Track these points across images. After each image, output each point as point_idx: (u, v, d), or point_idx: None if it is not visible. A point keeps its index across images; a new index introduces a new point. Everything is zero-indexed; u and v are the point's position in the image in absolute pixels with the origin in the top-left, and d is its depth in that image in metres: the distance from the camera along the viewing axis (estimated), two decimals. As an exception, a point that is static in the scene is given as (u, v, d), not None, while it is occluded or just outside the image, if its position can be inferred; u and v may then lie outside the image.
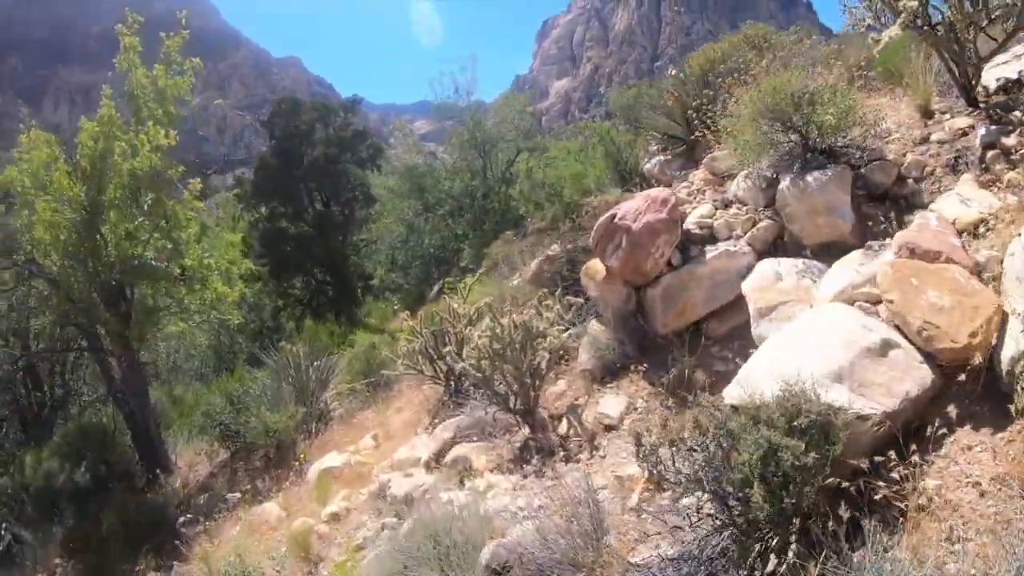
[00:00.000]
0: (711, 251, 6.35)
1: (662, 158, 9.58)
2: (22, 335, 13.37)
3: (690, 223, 6.69)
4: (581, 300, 6.90)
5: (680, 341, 6.15)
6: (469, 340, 6.67)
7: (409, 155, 29.18)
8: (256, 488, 9.96)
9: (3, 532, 10.93)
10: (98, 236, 11.06)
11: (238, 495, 10.11)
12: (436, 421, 8.61)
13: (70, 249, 10.98)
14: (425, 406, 9.42)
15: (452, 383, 8.76)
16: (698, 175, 7.93)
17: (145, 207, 11.54)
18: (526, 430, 6.19)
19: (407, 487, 6.48)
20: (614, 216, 6.54)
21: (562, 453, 5.78)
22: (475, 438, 6.66)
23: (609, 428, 5.81)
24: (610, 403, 6.00)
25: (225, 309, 12.50)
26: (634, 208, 6.53)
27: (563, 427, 6.11)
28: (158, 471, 11.62)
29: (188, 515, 9.80)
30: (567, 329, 6.26)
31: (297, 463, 9.58)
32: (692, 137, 8.63)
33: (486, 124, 27.35)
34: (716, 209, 6.89)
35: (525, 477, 5.55)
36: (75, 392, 14.93)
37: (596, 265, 6.90)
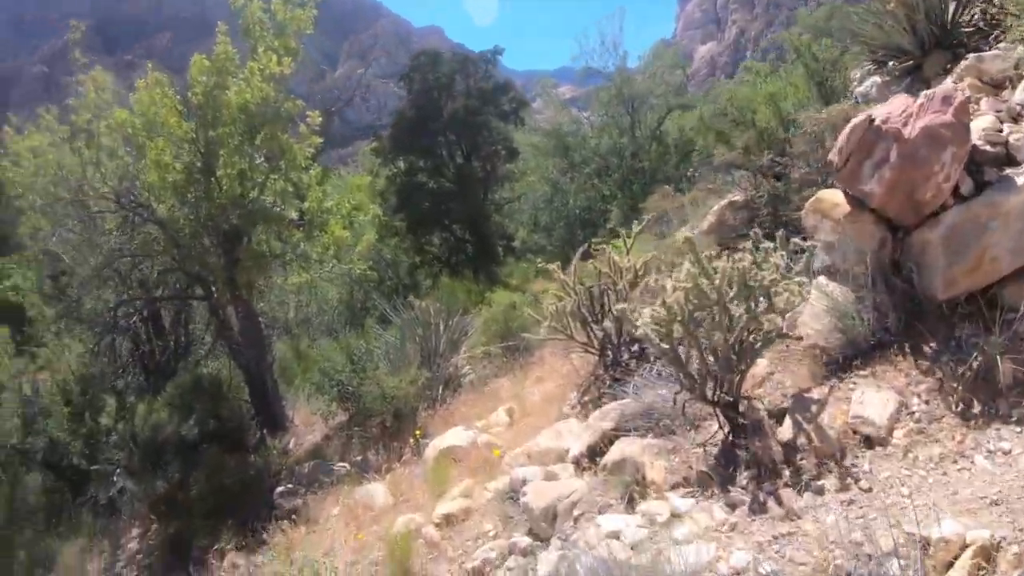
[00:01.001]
0: (1020, 175, 4.15)
1: (879, 79, 7.27)
2: (144, 283, 12.49)
3: (973, 139, 4.46)
4: (808, 245, 4.72)
5: (971, 311, 4.03)
6: (656, 294, 4.61)
7: (554, 113, 27.76)
8: (366, 461, 8.53)
9: (115, 479, 10.28)
10: (211, 178, 10.01)
11: (345, 467, 8.74)
12: (586, 399, 7.01)
13: (180, 191, 9.99)
14: (572, 378, 7.78)
15: (609, 352, 7.07)
16: (963, 83, 5.61)
17: (259, 143, 10.39)
18: (725, 429, 4.21)
19: (549, 496, 4.69)
20: (872, 120, 4.39)
21: (789, 474, 3.77)
22: (646, 432, 4.73)
23: (869, 441, 3.74)
24: (870, 401, 3.85)
25: (349, 257, 11.11)
26: (900, 109, 4.35)
27: (785, 430, 4.07)
28: (267, 431, 10.58)
29: (288, 484, 8.52)
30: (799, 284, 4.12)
31: (414, 439, 8.03)
32: (928, 49, 6.32)
33: (634, 79, 25.58)
34: (1001, 122, 4.65)
35: (733, 508, 3.59)
36: (197, 342, 14.09)
37: (832, 197, 4.74)
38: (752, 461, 3.84)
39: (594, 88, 28.70)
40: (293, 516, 7.55)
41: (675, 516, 3.62)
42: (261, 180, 10.13)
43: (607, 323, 7.07)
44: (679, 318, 3.74)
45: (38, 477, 11.71)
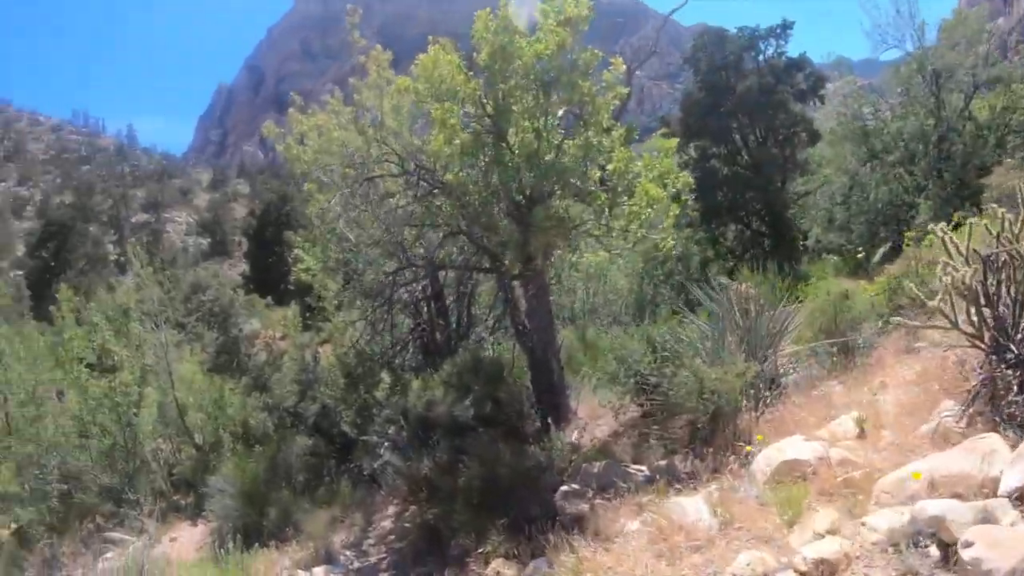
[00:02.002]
0: None
1: None
2: (428, 255, 11.90)
3: None
4: None
5: None
6: None
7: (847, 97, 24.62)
8: (672, 467, 6.89)
9: (380, 452, 9.90)
10: (502, 142, 8.95)
11: (643, 471, 7.18)
12: (972, 411, 5.20)
13: (468, 155, 9.02)
14: (938, 382, 6.09)
15: (1014, 348, 5.16)
16: None
17: (555, 98, 9.18)
18: None
19: (998, 552, 2.79)
20: None
21: None
22: None
23: None
24: None
25: (660, 227, 9.51)
26: None
27: None
28: (551, 420, 9.35)
29: (574, 485, 7.10)
30: None
31: (748, 447, 6.28)
32: None
33: (937, 51, 21.79)
34: None
35: None
36: (479, 323, 13.32)
37: None
38: None
39: (890, 67, 25.14)
40: (578, 525, 6.13)
41: None
42: (557, 142, 8.88)
43: (1001, 308, 5.29)
44: None
45: (306, 440, 11.52)
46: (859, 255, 18.91)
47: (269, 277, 44.94)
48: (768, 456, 5.93)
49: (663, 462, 7.08)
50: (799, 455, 5.67)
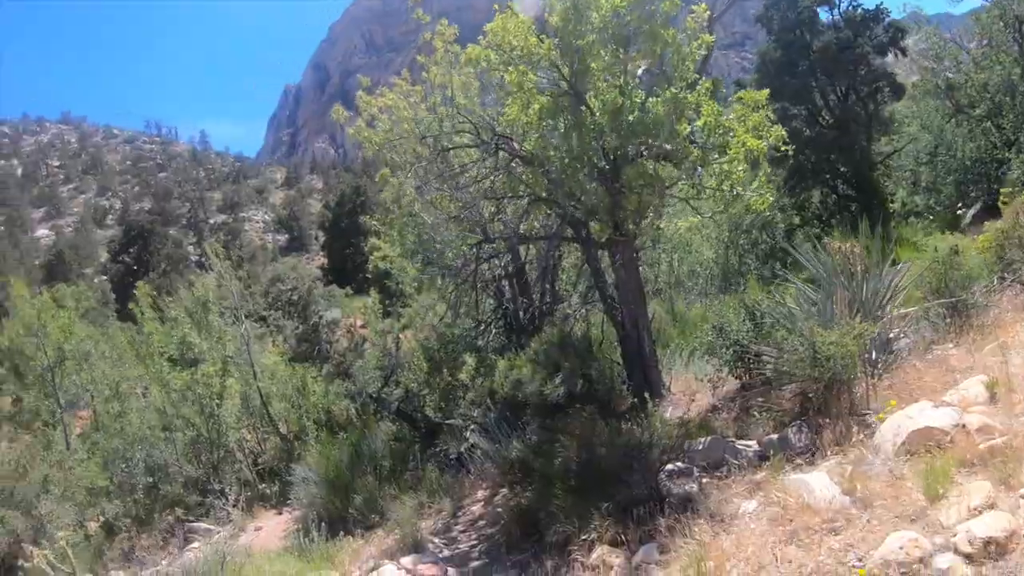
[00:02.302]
0: None
1: None
2: (511, 233, 11.54)
3: None
4: None
5: None
6: None
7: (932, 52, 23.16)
8: (785, 441, 6.30)
9: (467, 435, 9.68)
10: (581, 105, 8.35)
11: (753, 446, 6.62)
12: None
13: (546, 120, 8.43)
14: None
15: None
16: None
17: (635, 53, 8.60)
18: None
19: None
20: None
21: None
22: None
23: None
24: None
25: (756, 183, 8.84)
26: None
27: None
28: (647, 395, 8.85)
29: (678, 463, 6.56)
30: None
31: (880, 416, 5.69)
32: None
33: None
34: None
35: None
36: (562, 298, 12.86)
37: None
38: None
39: (969, 17, 23.60)
40: (688, 506, 5.62)
41: None
42: (639, 100, 8.26)
43: None
44: None
45: (390, 426, 11.27)
46: (958, 212, 17.74)
47: (347, 268, 45.43)
48: (896, 425, 5.35)
49: (774, 435, 6.48)
50: (932, 422, 5.10)
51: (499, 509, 7.55)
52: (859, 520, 4.31)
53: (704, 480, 6.15)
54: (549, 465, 6.63)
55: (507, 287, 12.46)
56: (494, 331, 12.62)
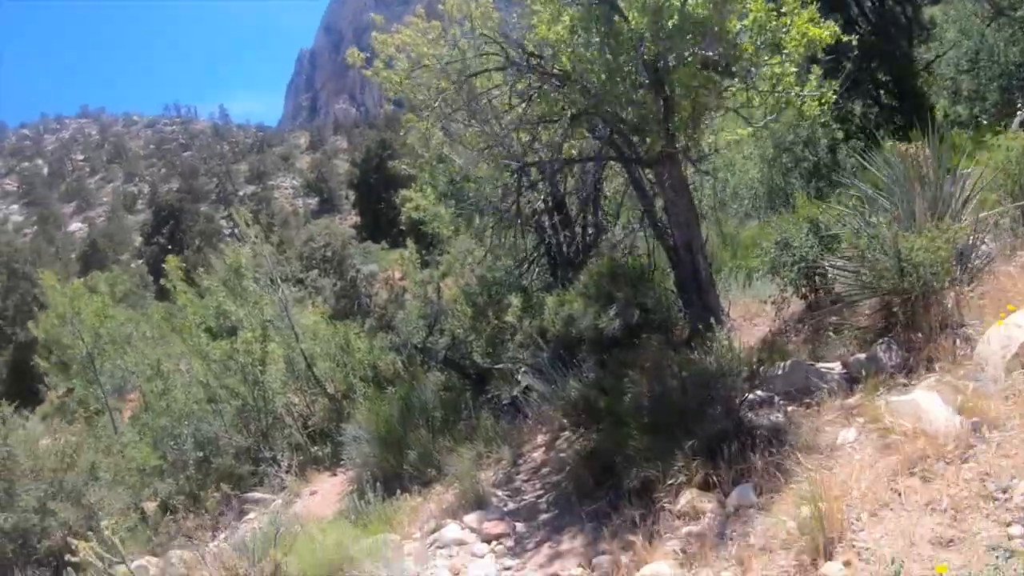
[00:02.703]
0: None
1: None
2: (551, 157, 10.93)
3: None
4: None
5: None
6: None
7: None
8: (876, 361, 5.68)
9: (519, 378, 9.07)
10: (616, 15, 7.56)
11: (837, 368, 6.04)
12: None
13: (578, 32, 7.65)
14: None
15: None
16: None
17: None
18: None
19: None
20: None
21: None
22: None
23: None
24: None
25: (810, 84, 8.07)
26: None
27: None
28: (707, 322, 8.29)
29: (758, 392, 5.96)
30: None
31: (999, 322, 5.04)
32: None
33: None
34: None
35: None
36: (606, 229, 12.24)
37: None
38: None
39: None
40: (777, 439, 5.07)
41: None
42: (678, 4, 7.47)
43: None
44: None
45: (439, 376, 10.83)
46: (1004, 121, 16.57)
47: (380, 223, 44.98)
48: (1005, 336, 4.71)
49: (860, 355, 5.87)
50: (1036, 334, 4.44)
51: (563, 454, 7.00)
52: (988, 444, 3.73)
53: (790, 408, 5.57)
54: (618, 402, 6.00)
55: (547, 221, 11.88)
56: (538, 269, 12.11)
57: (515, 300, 11.02)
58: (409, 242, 17.88)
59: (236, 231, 16.97)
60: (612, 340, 8.11)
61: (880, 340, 5.89)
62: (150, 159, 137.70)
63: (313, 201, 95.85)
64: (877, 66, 20.91)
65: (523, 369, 8.91)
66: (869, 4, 21.90)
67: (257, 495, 11.69)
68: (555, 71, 8.15)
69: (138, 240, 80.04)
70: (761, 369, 5.77)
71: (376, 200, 47.40)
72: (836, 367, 6.03)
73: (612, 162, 9.79)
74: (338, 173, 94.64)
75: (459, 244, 14.06)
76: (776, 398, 5.74)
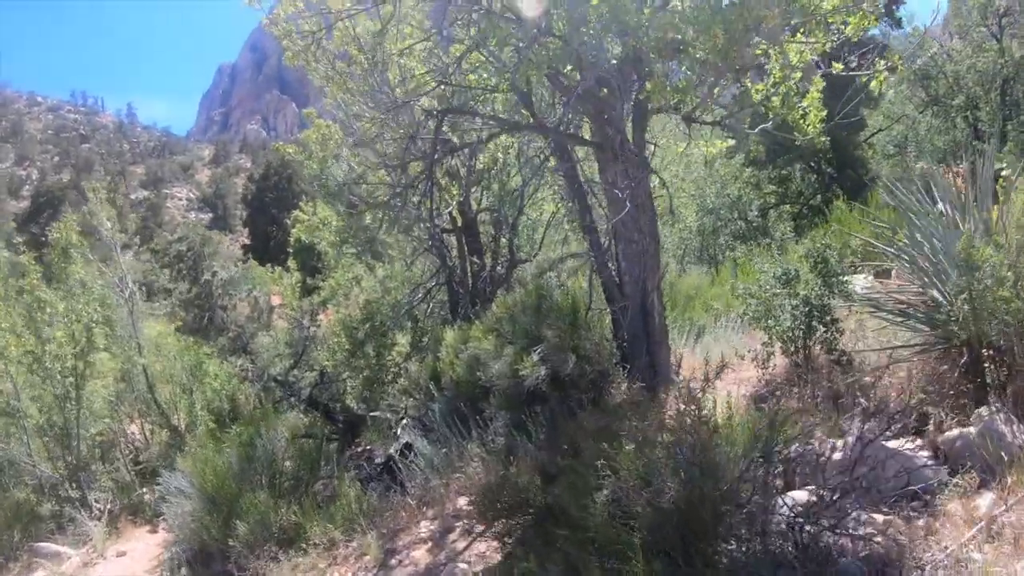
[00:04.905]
0: None
1: None
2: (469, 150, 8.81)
3: None
4: None
5: None
6: None
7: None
8: (995, 434, 3.68)
9: (399, 432, 7.21)
10: None
11: (917, 450, 4.07)
12: None
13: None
14: None
15: None
16: None
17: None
18: None
19: None
20: None
21: None
22: None
23: None
24: None
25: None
26: None
27: None
28: (652, 381, 6.30)
29: (806, 488, 3.76)
30: None
31: None
32: None
33: None
34: None
35: None
36: (524, 259, 10.16)
37: None
38: None
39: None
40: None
41: None
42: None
43: None
44: None
45: (300, 418, 8.35)
46: None
47: (270, 246, 41.88)
48: None
49: (957, 431, 3.85)
50: None
51: (465, 569, 4.58)
52: None
53: (879, 519, 3.46)
54: (582, 503, 3.57)
55: (452, 242, 9.82)
56: (433, 301, 10.00)
57: (402, 339, 8.87)
58: (291, 263, 15.34)
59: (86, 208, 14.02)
60: (531, 394, 5.97)
61: (981, 407, 3.92)
62: (46, 145, 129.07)
63: (206, 217, 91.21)
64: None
65: (404, 422, 6.65)
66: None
67: (52, 547, 9.02)
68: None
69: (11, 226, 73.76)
70: (781, 451, 3.64)
71: (269, 221, 44.32)
72: (917, 449, 3.99)
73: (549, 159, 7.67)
74: (236, 191, 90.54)
75: (345, 270, 11.80)
76: (826, 495, 3.56)
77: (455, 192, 8.52)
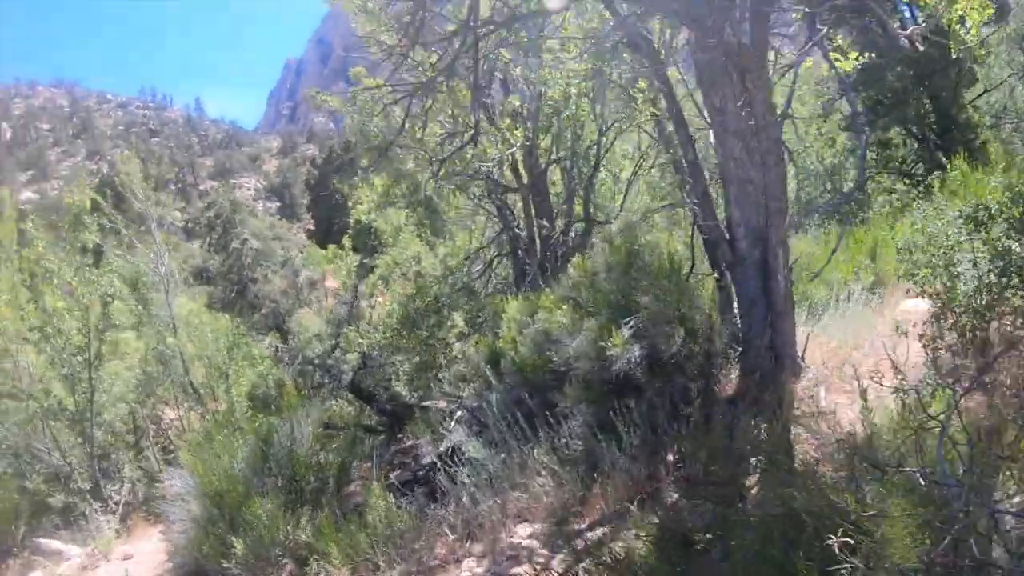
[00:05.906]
0: None
1: None
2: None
3: None
4: None
5: None
6: None
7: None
8: None
9: (449, 428, 5.70)
10: None
11: None
12: None
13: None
14: None
15: None
16: None
17: None
18: None
19: None
20: None
21: None
22: None
23: None
24: None
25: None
26: None
27: None
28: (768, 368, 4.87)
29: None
30: None
31: None
32: None
33: None
34: None
35: None
36: (603, 221, 8.66)
37: None
38: None
39: None
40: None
41: None
42: None
43: None
44: None
45: (336, 406, 7.04)
46: None
47: (332, 230, 41.17)
48: None
49: None
50: None
51: None
52: None
53: None
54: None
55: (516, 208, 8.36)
56: (492, 276, 8.58)
57: (458, 318, 7.49)
58: (345, 240, 14.09)
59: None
60: (621, 381, 4.46)
61: None
62: (116, 140, 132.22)
63: (274, 205, 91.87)
64: (920, 96, 17.73)
65: (459, 414, 5.19)
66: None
67: (55, 544, 8.12)
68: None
69: (83, 218, 75.48)
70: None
71: (331, 205, 43.63)
72: None
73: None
74: (302, 180, 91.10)
75: (403, 248, 10.51)
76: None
77: (519, 135, 6.96)
